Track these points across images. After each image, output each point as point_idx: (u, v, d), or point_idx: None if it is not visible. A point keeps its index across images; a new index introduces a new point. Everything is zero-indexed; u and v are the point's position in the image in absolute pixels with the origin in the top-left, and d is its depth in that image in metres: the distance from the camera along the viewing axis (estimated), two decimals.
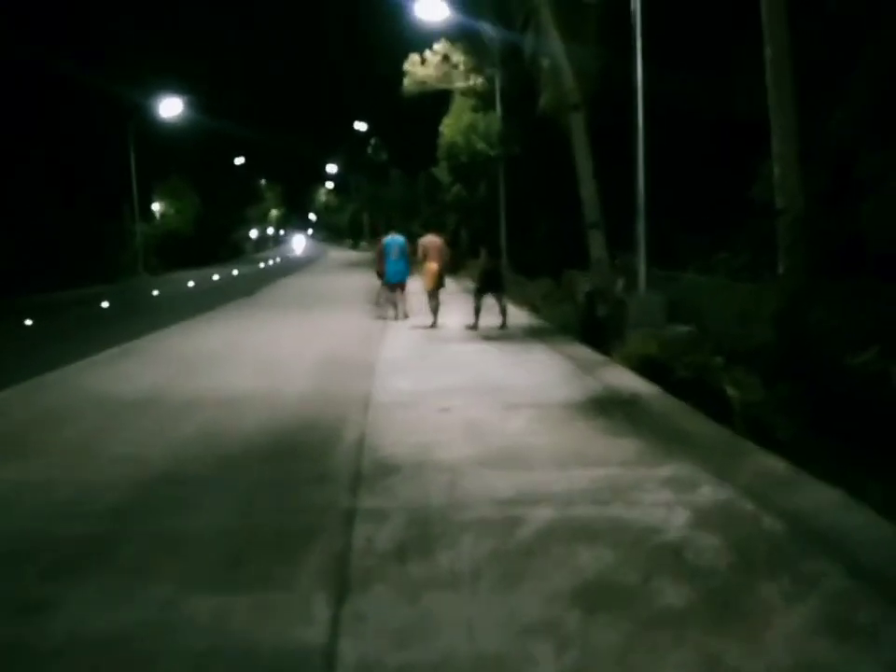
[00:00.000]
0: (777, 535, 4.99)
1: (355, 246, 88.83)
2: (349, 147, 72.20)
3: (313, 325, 17.69)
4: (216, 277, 42.00)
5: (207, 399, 9.65)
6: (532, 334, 14.74)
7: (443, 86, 34.68)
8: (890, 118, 13.04)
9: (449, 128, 33.29)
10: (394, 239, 17.87)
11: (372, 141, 65.15)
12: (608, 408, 8.45)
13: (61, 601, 4.36)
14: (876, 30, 13.63)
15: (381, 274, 17.82)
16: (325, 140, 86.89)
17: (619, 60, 16.51)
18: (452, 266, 15.69)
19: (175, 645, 3.89)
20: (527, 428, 7.69)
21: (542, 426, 7.78)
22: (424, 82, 34.71)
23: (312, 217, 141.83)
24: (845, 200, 13.46)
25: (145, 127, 48.89)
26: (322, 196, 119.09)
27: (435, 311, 16.35)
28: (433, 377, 10.55)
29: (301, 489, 6.14)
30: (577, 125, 13.66)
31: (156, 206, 59.52)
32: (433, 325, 16.08)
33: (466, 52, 33.65)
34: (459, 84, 34.17)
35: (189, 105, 51.20)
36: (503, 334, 14.72)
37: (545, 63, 15.16)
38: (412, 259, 17.66)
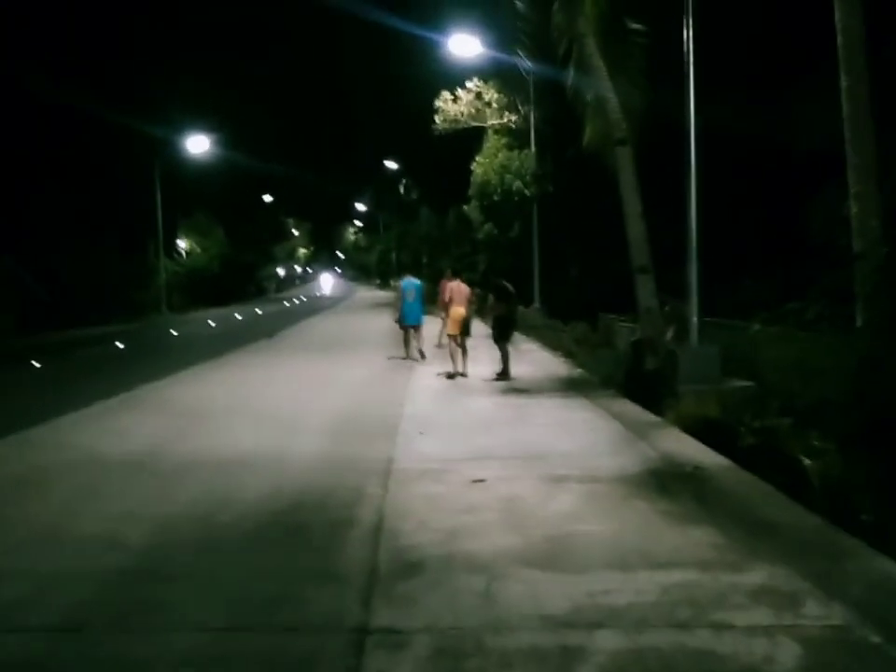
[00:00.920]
0: None
1: (383, 286, 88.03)
2: (378, 186, 71.59)
3: (333, 372, 16.55)
4: (238, 317, 41.09)
5: (205, 462, 8.49)
6: (571, 386, 13.49)
7: (476, 123, 33.82)
8: None
9: (481, 166, 32.34)
10: (409, 281, 17.86)
11: (403, 181, 64.57)
12: (670, 484, 7.19)
13: None
14: None
15: (399, 319, 17.72)
16: (354, 178, 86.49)
17: (666, 92, 15.46)
18: (510, 309, 14.65)
19: None
20: (577, 510, 6.45)
21: (594, 507, 6.53)
22: (455, 120, 33.91)
23: (340, 255, 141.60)
24: None
25: (171, 164, 48.50)
26: (351, 235, 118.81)
27: (459, 358, 15.24)
28: (463, 439, 9.34)
29: (301, 593, 4.94)
30: (623, 160, 12.52)
31: (181, 243, 58.97)
32: (460, 374, 15.05)
33: (499, 89, 32.83)
34: (492, 121, 33.29)
35: (217, 142, 50.78)
36: (539, 387, 13.48)
37: (588, 96, 14.06)
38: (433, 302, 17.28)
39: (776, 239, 16.64)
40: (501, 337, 14.67)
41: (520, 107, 32.25)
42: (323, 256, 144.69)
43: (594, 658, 4.05)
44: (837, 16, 10.05)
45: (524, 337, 23.37)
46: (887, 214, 9.62)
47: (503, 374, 14.44)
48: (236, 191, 67.82)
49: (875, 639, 4.21)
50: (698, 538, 5.71)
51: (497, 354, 14.75)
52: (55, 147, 40.74)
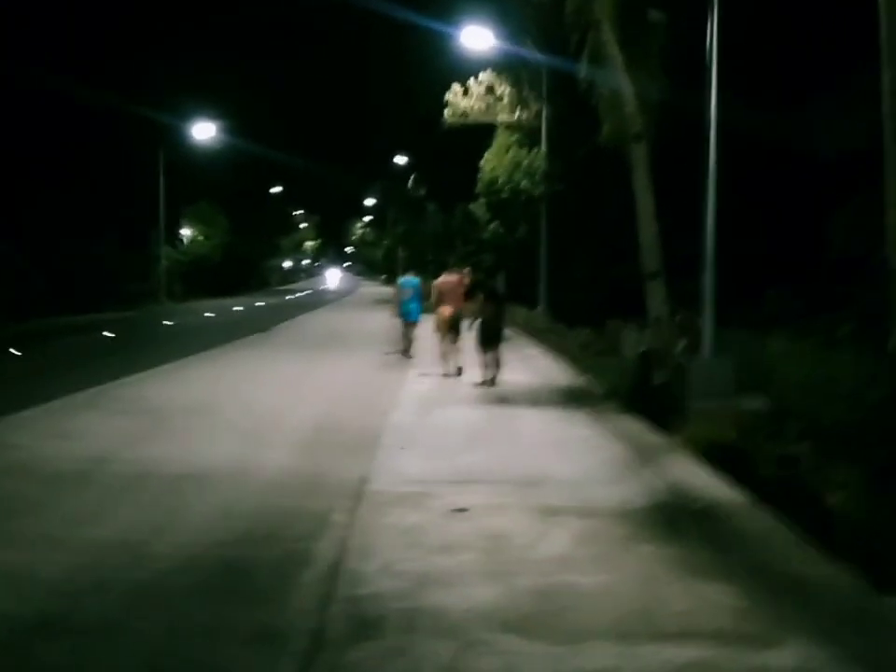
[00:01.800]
0: None
1: (389, 282, 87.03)
2: (387, 181, 70.61)
3: (321, 372, 15.64)
4: (237, 308, 40.16)
5: (156, 474, 7.57)
6: (572, 398, 12.56)
7: (486, 119, 32.86)
8: None
9: (490, 163, 31.39)
10: (408, 280, 17.76)
11: (413, 176, 63.58)
12: (680, 523, 6.25)
13: None
14: None
15: (400, 315, 17.54)
16: (364, 172, 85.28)
17: (686, 91, 14.53)
18: (497, 311, 13.68)
19: None
20: (571, 554, 5.51)
21: (591, 550, 5.59)
22: (465, 114, 32.94)
23: (349, 249, 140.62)
24: None
25: (177, 151, 47.63)
26: (359, 229, 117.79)
27: (448, 358, 14.74)
28: (449, 456, 8.40)
29: (226, 661, 4.02)
30: (638, 157, 11.59)
31: (184, 232, 58.07)
32: (453, 374, 14.51)
33: (512, 83, 31.88)
34: (503, 117, 32.31)
35: (225, 130, 49.90)
36: (538, 397, 12.55)
37: (603, 88, 13.11)
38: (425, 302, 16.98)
39: (797, 249, 15.69)
40: (485, 342, 13.67)
41: (531, 104, 31.31)
42: (331, 250, 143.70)
43: None
44: (881, 2, 9.09)
45: (527, 341, 22.48)
46: None
47: (486, 382, 13.51)
48: (243, 181, 66.75)
49: None
50: (714, 598, 4.78)
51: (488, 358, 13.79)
52: (56, 135, 39.87)
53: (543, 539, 5.81)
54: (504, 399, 12.24)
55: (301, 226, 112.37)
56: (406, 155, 60.12)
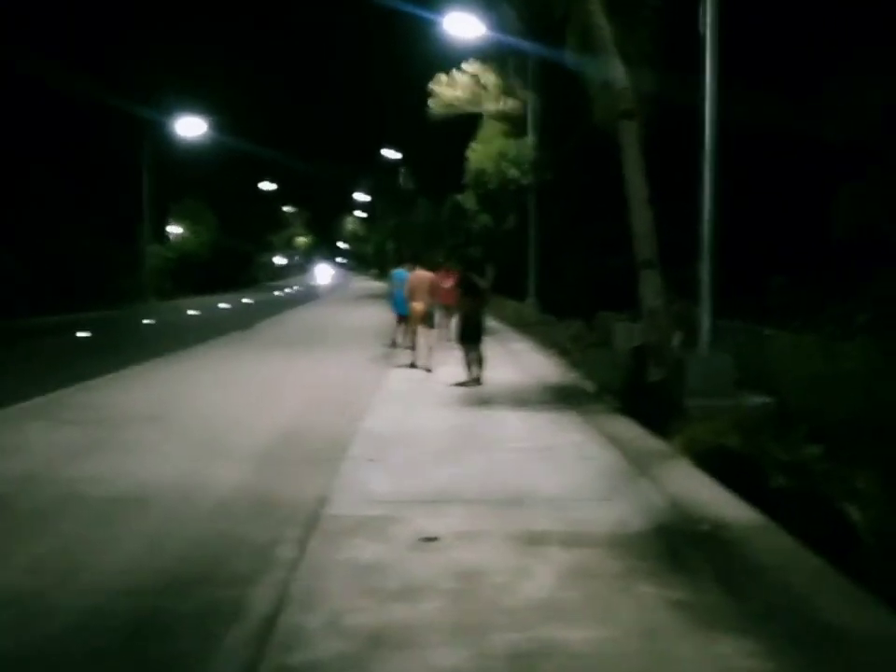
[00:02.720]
0: None
1: (380, 277, 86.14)
2: (376, 175, 69.66)
3: (298, 372, 14.72)
4: (223, 305, 39.15)
5: (88, 497, 6.66)
6: (562, 397, 11.66)
7: (473, 109, 31.93)
8: None
9: (477, 153, 30.46)
10: (400, 272, 17.19)
11: (402, 170, 62.65)
12: (684, 552, 5.35)
13: None
14: None
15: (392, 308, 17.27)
16: (353, 167, 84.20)
17: (680, 68, 13.64)
18: (476, 305, 12.76)
19: None
20: (558, 598, 4.60)
21: (582, 592, 4.68)
22: (451, 104, 32.01)
23: (342, 245, 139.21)
24: None
25: (164, 147, 46.67)
26: (350, 224, 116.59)
27: (416, 350, 14.87)
28: (424, 469, 7.49)
29: None
30: (628, 136, 10.65)
31: (172, 229, 57.04)
32: (418, 367, 14.48)
33: (497, 72, 30.95)
34: (489, 107, 31.39)
35: (212, 125, 48.84)
36: (525, 397, 11.64)
37: (590, 66, 12.16)
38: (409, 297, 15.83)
39: (799, 235, 14.78)
40: (466, 338, 12.79)
41: (518, 93, 30.40)
42: (324, 245, 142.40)
43: None
44: None
45: (516, 335, 21.60)
46: None
47: (468, 381, 12.64)
48: (232, 178, 65.74)
49: None
50: (732, 658, 3.87)
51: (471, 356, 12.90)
52: (42, 130, 38.82)
53: (524, 577, 4.90)
54: (488, 401, 11.34)
55: (291, 221, 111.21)
56: (395, 148, 59.13)
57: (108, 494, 6.73)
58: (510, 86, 31.01)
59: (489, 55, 30.24)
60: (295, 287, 67.98)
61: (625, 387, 11.19)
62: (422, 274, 15.06)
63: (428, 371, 14.08)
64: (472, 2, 26.70)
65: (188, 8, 67.95)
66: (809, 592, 4.70)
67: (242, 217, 69.18)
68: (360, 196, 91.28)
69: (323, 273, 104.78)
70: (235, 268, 66.36)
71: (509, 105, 30.42)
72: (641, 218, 10.37)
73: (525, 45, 25.89)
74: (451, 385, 12.56)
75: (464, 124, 31.92)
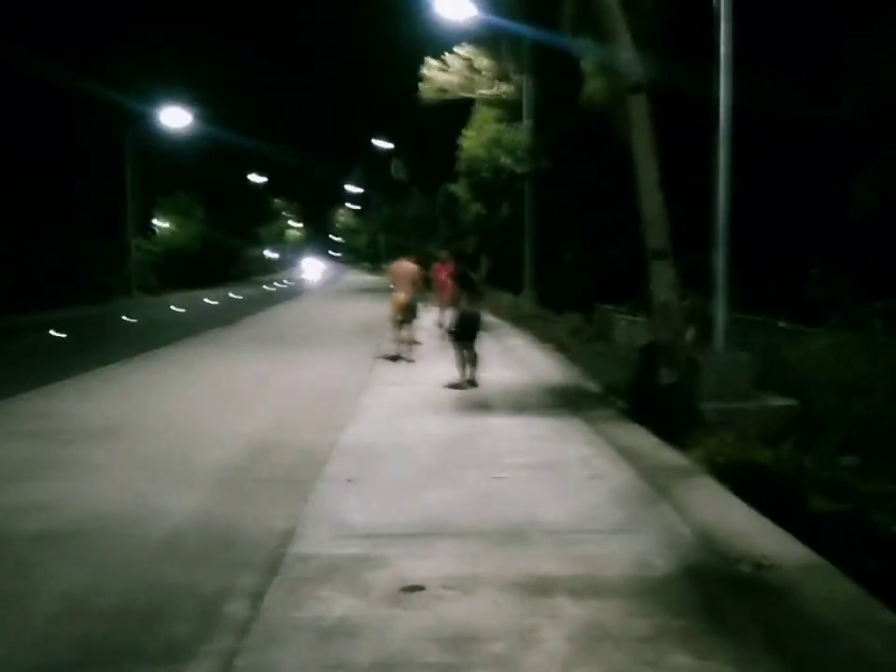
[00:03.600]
0: None
1: (373, 270, 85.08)
2: (369, 166, 68.48)
3: (279, 373, 13.69)
4: (210, 301, 38.04)
5: (12, 535, 5.66)
6: (565, 400, 10.68)
7: (465, 94, 30.90)
8: None
9: (470, 140, 29.44)
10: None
11: (393, 160, 61.53)
12: (724, 605, 4.37)
13: None
14: None
15: None
16: (345, 158, 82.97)
17: (686, 45, 12.67)
18: (473, 297, 11.78)
19: None
20: None
21: (602, 669, 3.71)
22: (444, 89, 30.99)
23: (337, 238, 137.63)
24: None
25: (148, 138, 45.56)
26: (342, 217, 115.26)
27: (401, 343, 14.78)
28: (409, 492, 6.49)
29: None
30: (638, 112, 9.62)
31: (159, 223, 55.86)
32: (404, 359, 14.50)
33: (491, 56, 29.92)
34: (483, 91, 30.36)
35: (198, 117, 47.67)
36: (524, 401, 10.66)
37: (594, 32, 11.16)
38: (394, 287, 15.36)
39: (817, 222, 13.83)
40: (460, 335, 11.87)
41: (513, 76, 29.39)
42: (317, 239, 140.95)
43: None
44: None
45: (512, 329, 20.62)
46: None
47: (464, 383, 11.73)
48: (219, 170, 64.49)
49: None
50: None
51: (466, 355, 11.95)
52: (20, 121, 37.62)
53: (528, 644, 3.92)
54: (485, 406, 10.35)
55: (283, 214, 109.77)
56: (386, 138, 58.02)
57: (38, 528, 5.73)
58: (504, 70, 30.00)
59: (482, 38, 29.25)
60: (285, 282, 66.74)
61: (634, 389, 10.20)
62: (406, 265, 14.90)
63: (411, 361, 14.33)
64: None
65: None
66: (891, 661, 3.72)
67: (230, 210, 67.98)
68: (352, 188, 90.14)
69: (312, 268, 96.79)
70: (224, 262, 65.12)
71: (503, 89, 29.42)
72: (652, 203, 9.37)
73: (520, 26, 24.98)
74: (443, 388, 11.58)
75: (457, 111, 30.91)
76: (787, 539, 5.27)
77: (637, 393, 10.09)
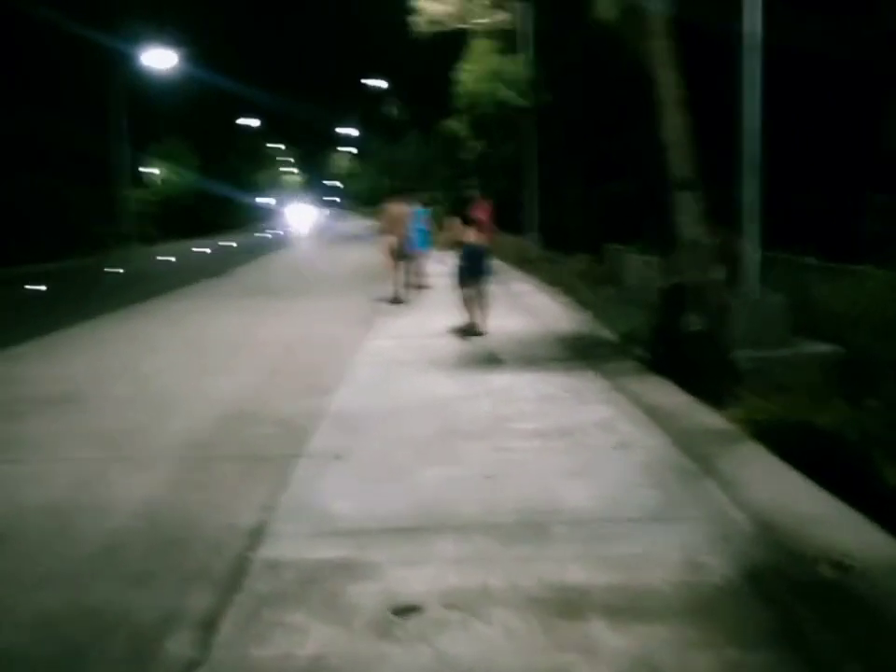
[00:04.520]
0: None
1: (374, 215, 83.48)
2: (364, 107, 66.70)
3: (267, 328, 12.70)
4: (202, 250, 36.83)
5: None
6: (579, 351, 9.66)
7: (461, 24, 29.39)
8: None
9: (469, 74, 28.05)
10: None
11: (390, 101, 59.84)
12: (807, 626, 3.38)
13: None
14: None
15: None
16: (342, 100, 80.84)
17: None
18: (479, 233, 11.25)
19: None
20: None
21: None
22: (438, 20, 29.48)
23: (336, 183, 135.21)
24: None
25: (136, 81, 43.93)
26: (341, 161, 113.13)
27: (398, 286, 14.74)
28: (405, 471, 5.49)
29: None
30: (656, 20, 8.44)
31: (152, 170, 54.38)
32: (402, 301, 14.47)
33: None
34: (479, 21, 28.85)
35: (186, 58, 46.02)
36: (533, 353, 9.66)
37: None
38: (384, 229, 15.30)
39: (848, 151, 12.70)
40: (471, 274, 11.06)
41: (510, 2, 27.87)
42: (316, 184, 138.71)
43: None
44: None
45: (517, 273, 19.57)
46: None
47: (470, 330, 10.92)
48: (210, 116, 62.74)
49: None
50: None
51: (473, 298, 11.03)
52: (7, 65, 36.09)
53: None
54: (490, 360, 9.35)
55: (280, 160, 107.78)
56: (381, 77, 56.24)
57: None
58: None
59: None
60: (284, 228, 65.24)
61: (656, 338, 9.15)
62: (400, 208, 14.90)
63: (403, 302, 14.36)
64: None
65: None
66: None
67: (224, 156, 66.35)
68: (349, 131, 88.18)
69: (300, 216, 79.72)
70: (220, 210, 63.64)
71: (500, 18, 27.94)
72: (674, 125, 8.24)
73: None
74: (446, 338, 10.61)
75: (455, 44, 29.45)
76: (868, 528, 4.28)
77: (661, 342, 9.04)
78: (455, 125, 30.17)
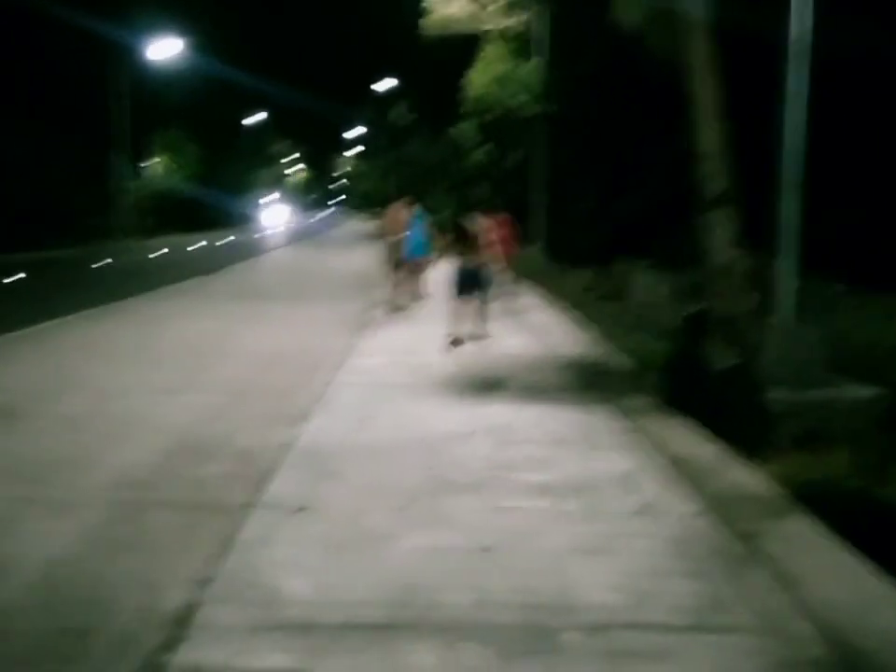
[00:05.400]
0: None
1: (378, 216, 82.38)
2: (372, 107, 65.67)
3: (246, 336, 11.67)
4: (196, 245, 35.73)
5: None
6: (589, 380, 8.62)
7: (473, 27, 28.42)
8: None
9: (478, 77, 27.08)
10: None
11: (401, 102, 58.90)
12: None
13: None
14: None
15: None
16: (348, 99, 79.91)
17: None
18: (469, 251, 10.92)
19: None
20: None
21: None
22: (449, 22, 28.51)
23: (342, 183, 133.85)
24: None
25: (140, 72, 42.99)
26: (347, 161, 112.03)
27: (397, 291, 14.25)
28: (378, 537, 4.43)
29: None
30: (695, 15, 7.44)
31: (151, 163, 53.30)
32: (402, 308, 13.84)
33: None
34: (492, 24, 27.88)
35: (192, 48, 45.07)
36: (538, 379, 8.63)
37: None
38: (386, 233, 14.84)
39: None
40: (459, 291, 10.75)
41: (526, 7, 26.90)
42: (321, 183, 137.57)
43: None
44: None
45: (522, 286, 18.52)
46: None
47: (454, 340, 10.45)
48: (216, 108, 61.68)
49: None
50: None
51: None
52: (5, 54, 35.13)
53: None
54: (491, 385, 8.31)
55: (284, 159, 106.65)
56: (392, 77, 55.36)
57: None
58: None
59: None
60: (284, 226, 63.99)
61: (677, 370, 8.11)
62: (402, 211, 14.45)
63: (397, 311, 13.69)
64: None
65: None
66: None
67: (228, 150, 65.28)
68: (357, 131, 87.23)
69: (275, 216, 71.35)
70: (221, 205, 62.46)
71: (514, 21, 26.97)
72: (710, 135, 7.22)
73: None
74: (443, 358, 9.62)
75: (468, 47, 28.49)
76: None
77: (682, 375, 8.01)
78: (465, 129, 29.21)
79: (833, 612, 3.62)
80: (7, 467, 5.62)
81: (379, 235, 15.07)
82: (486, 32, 28.05)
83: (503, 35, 27.76)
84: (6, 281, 19.10)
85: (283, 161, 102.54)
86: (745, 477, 5.49)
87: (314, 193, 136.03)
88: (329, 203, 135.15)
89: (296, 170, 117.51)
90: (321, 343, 10.92)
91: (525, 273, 20.41)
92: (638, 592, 3.83)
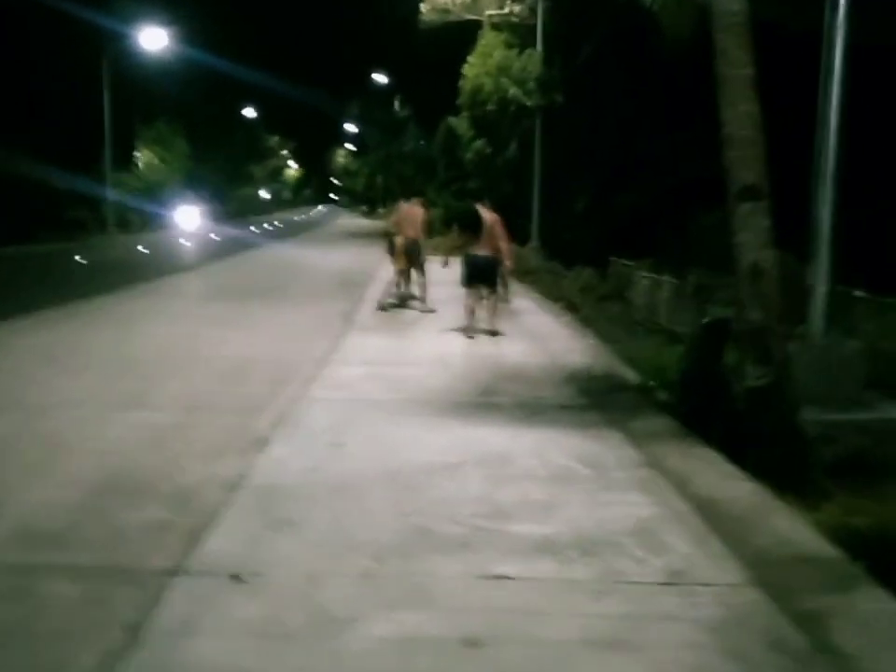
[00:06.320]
0: None
1: (370, 213, 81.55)
2: (365, 101, 64.63)
3: (214, 341, 10.60)
4: (182, 242, 34.70)
5: None
6: (594, 397, 7.61)
7: (470, 15, 27.51)
8: None
9: (474, 68, 26.12)
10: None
11: (394, 97, 57.93)
12: None
13: None
14: None
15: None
16: (342, 93, 78.72)
17: None
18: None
19: None
20: None
21: None
22: (446, 10, 27.62)
23: (333, 180, 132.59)
24: None
25: (127, 63, 41.90)
26: (340, 158, 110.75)
27: (399, 288, 13.82)
28: (334, 632, 3.40)
29: None
30: None
31: (139, 155, 52.13)
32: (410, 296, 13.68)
33: None
34: (490, 12, 26.95)
35: (181, 39, 43.99)
36: (538, 396, 7.63)
37: None
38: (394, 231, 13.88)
39: None
40: (469, 281, 11.04)
41: None
42: (313, 179, 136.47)
43: None
44: None
45: (518, 286, 17.57)
46: None
47: (466, 331, 10.78)
48: (207, 102, 60.51)
49: None
50: None
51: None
52: None
53: None
54: (485, 404, 7.29)
55: (280, 153, 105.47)
56: (385, 72, 54.32)
57: None
58: None
59: None
60: (276, 223, 62.87)
61: (695, 387, 7.09)
62: (413, 209, 13.76)
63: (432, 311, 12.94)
64: None
65: None
66: None
67: (219, 144, 64.10)
68: (350, 127, 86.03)
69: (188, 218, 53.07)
70: (213, 201, 61.21)
71: (513, 10, 26.04)
72: (743, 115, 6.20)
73: None
74: (432, 364, 8.68)
75: (464, 38, 27.53)
76: None
77: (700, 392, 6.99)
78: (458, 123, 28.25)
79: None
80: None
81: (385, 234, 14.33)
82: (484, 20, 27.17)
83: (501, 23, 26.89)
84: None
85: (279, 156, 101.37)
86: (791, 528, 4.48)
87: (306, 189, 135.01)
88: (321, 201, 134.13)
89: (287, 167, 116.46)
90: (296, 348, 9.92)
91: (521, 273, 19.47)
92: None
